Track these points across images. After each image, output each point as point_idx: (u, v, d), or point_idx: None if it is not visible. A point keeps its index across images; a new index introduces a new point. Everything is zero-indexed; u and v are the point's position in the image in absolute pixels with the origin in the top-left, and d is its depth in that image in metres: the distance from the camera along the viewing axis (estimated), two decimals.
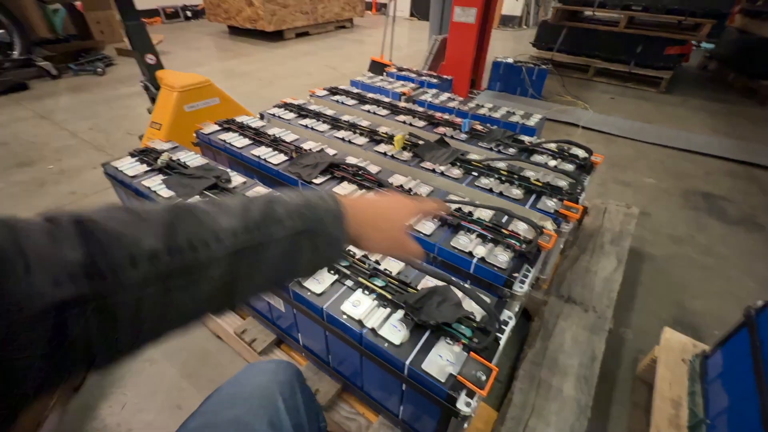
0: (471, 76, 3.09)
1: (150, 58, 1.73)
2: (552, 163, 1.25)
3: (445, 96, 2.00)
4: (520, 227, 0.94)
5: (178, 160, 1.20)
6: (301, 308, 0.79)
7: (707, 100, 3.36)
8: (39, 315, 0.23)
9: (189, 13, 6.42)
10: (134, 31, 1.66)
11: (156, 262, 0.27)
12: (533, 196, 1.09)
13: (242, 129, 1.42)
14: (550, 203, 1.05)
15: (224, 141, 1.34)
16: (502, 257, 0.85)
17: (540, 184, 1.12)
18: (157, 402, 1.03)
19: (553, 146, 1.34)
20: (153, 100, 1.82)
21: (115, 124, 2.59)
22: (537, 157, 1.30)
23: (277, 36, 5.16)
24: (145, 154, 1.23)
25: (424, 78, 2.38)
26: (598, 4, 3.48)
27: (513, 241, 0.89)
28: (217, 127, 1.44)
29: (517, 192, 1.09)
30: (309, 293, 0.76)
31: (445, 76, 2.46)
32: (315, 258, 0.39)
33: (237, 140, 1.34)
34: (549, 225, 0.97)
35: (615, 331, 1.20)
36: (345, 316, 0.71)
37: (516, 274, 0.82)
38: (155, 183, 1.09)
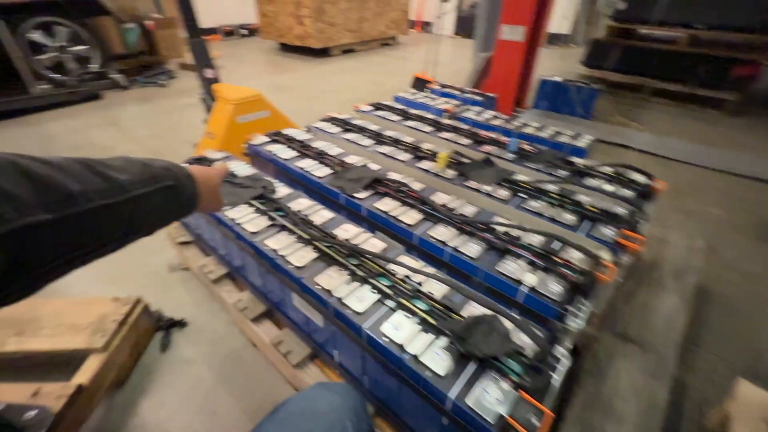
0: (516, 95, 3.02)
1: (208, 72, 1.85)
2: (608, 188, 1.17)
3: (489, 114, 1.97)
4: (574, 255, 0.88)
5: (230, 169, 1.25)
6: (340, 325, 0.77)
7: None
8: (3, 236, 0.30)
9: (244, 32, 6.87)
10: (196, 48, 1.79)
11: (80, 203, 0.37)
12: (588, 223, 1.02)
13: (289, 141, 1.46)
14: (606, 232, 0.97)
15: (272, 152, 1.38)
16: (554, 287, 0.79)
17: (595, 210, 1.05)
18: (194, 405, 1.04)
19: (608, 170, 1.26)
20: (209, 111, 1.93)
21: (173, 133, 2.78)
22: (591, 181, 1.22)
23: (323, 52, 5.37)
24: (199, 162, 1.30)
25: (467, 95, 2.36)
26: (657, 22, 3.31)
27: (566, 271, 0.82)
28: (266, 139, 1.49)
29: (569, 217, 1.02)
30: (349, 311, 0.75)
31: (489, 94, 2.43)
32: (177, 211, 0.55)
33: (284, 152, 1.38)
34: (605, 255, 0.90)
35: (677, 376, 1.08)
36: (386, 339, 0.69)
37: (569, 307, 0.76)
38: None
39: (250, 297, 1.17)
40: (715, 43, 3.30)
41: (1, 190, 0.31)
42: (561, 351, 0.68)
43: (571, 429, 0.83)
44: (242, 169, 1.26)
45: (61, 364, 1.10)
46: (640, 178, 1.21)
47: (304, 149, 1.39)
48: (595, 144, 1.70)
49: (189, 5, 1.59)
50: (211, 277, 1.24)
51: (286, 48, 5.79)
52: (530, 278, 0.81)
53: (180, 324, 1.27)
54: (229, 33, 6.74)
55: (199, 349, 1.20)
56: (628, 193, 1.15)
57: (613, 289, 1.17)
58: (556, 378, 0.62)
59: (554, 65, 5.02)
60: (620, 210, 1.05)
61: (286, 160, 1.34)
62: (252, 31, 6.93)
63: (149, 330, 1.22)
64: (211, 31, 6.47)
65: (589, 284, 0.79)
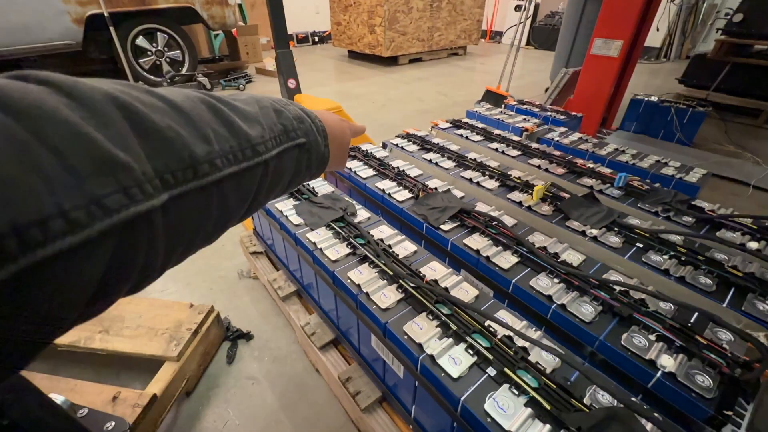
0: (603, 115, 2.75)
1: (291, 83, 1.88)
2: (752, 245, 0.95)
3: (575, 136, 1.78)
4: (722, 337, 0.70)
5: (309, 185, 1.22)
6: (429, 387, 0.68)
7: None
8: (105, 233, 0.18)
9: (317, 38, 7.14)
10: (283, 59, 1.82)
11: (214, 170, 0.26)
12: (732, 291, 0.82)
13: (366, 158, 1.41)
14: (761, 306, 0.78)
15: (350, 169, 1.34)
16: (702, 379, 0.63)
17: (740, 273, 0.85)
18: (256, 427, 1.01)
19: (749, 221, 1.03)
20: None
21: None
22: (726, 233, 1.01)
23: (391, 61, 5.38)
24: None
25: (549, 113, 2.17)
26: None
27: (716, 358, 0.66)
28: None
29: (706, 281, 0.84)
30: (443, 374, 0.65)
31: (573, 113, 2.21)
32: (305, 174, 0.41)
33: (362, 170, 1.33)
34: (764, 339, 0.71)
35: None
36: (489, 420, 0.58)
37: (728, 412, 0.59)
38: (287, 207, 1.11)
39: (318, 321, 1.12)
40: None
41: (104, 155, 0.19)
42: None
43: None
44: (321, 186, 1.22)
45: (137, 366, 1.14)
46: None
47: (382, 168, 1.33)
48: (708, 179, 1.44)
49: (282, 18, 1.62)
50: (281, 294, 1.21)
51: (355, 55, 5.90)
52: (667, 361, 0.66)
53: (247, 336, 1.26)
54: (303, 40, 7.04)
55: (263, 366, 1.17)
56: None
57: None
58: None
59: (643, 81, 4.55)
60: None
61: (364, 179, 1.28)
62: (323, 38, 7.19)
63: (218, 339, 1.22)
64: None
65: (753, 381, 0.62)
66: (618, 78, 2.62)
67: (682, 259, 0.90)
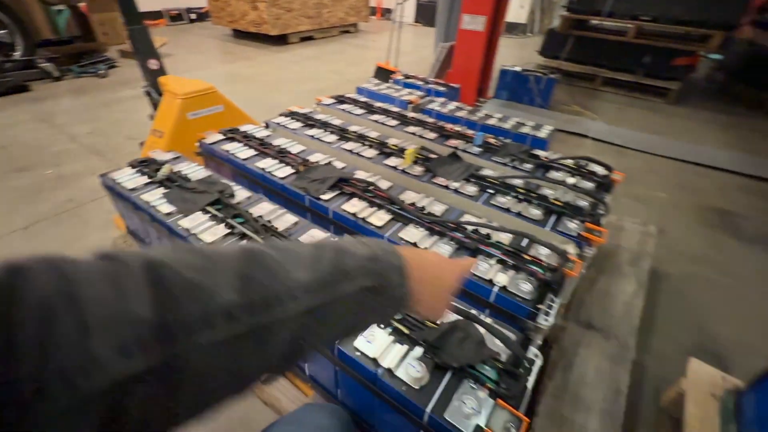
0: (478, 85, 3.05)
1: (153, 64, 1.68)
2: (570, 180, 1.20)
3: (453, 105, 1.96)
4: (542, 252, 0.89)
5: (180, 172, 1.14)
6: None
7: (716, 112, 3.32)
8: (97, 394, 0.18)
9: (193, 16, 6.40)
10: (137, 36, 1.61)
11: (232, 322, 0.23)
12: (553, 217, 1.03)
13: (246, 139, 1.37)
14: (571, 225, 1.00)
15: (228, 151, 1.29)
16: (525, 286, 0.80)
17: (560, 203, 1.07)
18: None
19: (570, 162, 1.29)
20: (155, 106, 1.77)
21: (115, 129, 2.54)
22: (554, 174, 1.24)
23: (281, 40, 5.13)
24: (146, 165, 1.18)
25: (431, 86, 2.34)
26: (607, 14, 3.45)
27: (535, 268, 0.83)
28: (220, 137, 1.38)
29: (536, 212, 1.04)
30: None
31: (452, 85, 2.42)
32: (375, 316, 0.36)
33: (241, 151, 1.29)
34: (571, 249, 0.92)
35: (636, 359, 1.14)
36: (358, 353, 0.66)
37: (540, 306, 0.76)
38: (155, 197, 1.04)
39: None
40: (658, 34, 3.50)
41: (122, 314, 0.19)
42: (534, 351, 0.68)
43: (543, 422, 0.85)
44: (195, 171, 1.16)
45: None
46: (599, 169, 1.25)
47: (263, 147, 1.31)
48: (555, 134, 1.74)
49: None
50: None
51: (240, 35, 5.47)
52: (501, 278, 0.81)
53: None
54: (176, 17, 6.25)
55: None
56: (588, 184, 1.19)
57: (577, 280, 1.21)
58: (530, 380, 0.62)
59: (513, 54, 5.13)
60: (583, 203, 1.08)
61: (244, 160, 1.25)
62: (202, 16, 6.48)
63: None
64: (155, 15, 5.97)
65: (559, 281, 0.80)
66: (487, 50, 2.91)
67: (520, 198, 1.10)
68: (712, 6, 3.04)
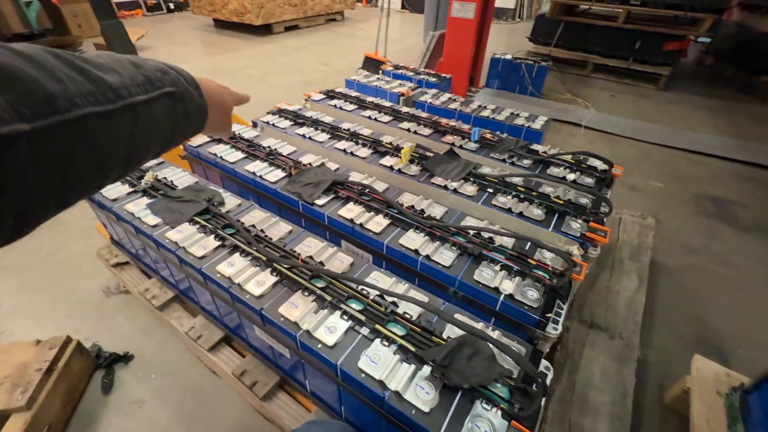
0: (470, 74, 2.99)
1: None
2: (570, 176, 1.17)
3: (445, 96, 1.91)
4: (547, 255, 0.86)
5: (165, 179, 1.08)
6: (311, 361, 0.69)
7: (706, 96, 3.32)
8: None
9: (171, 5, 6.15)
10: (111, 31, 1.51)
11: (69, 107, 0.26)
12: (555, 217, 1.00)
13: (234, 140, 1.30)
14: (575, 225, 0.97)
15: (215, 155, 1.22)
16: (531, 293, 0.77)
17: (561, 202, 1.04)
18: None
19: (569, 157, 1.26)
20: None
21: None
22: (553, 170, 1.21)
23: (265, 30, 4.96)
24: None
25: (422, 77, 2.28)
26: None
27: (542, 274, 0.80)
28: (206, 138, 1.32)
29: (538, 212, 1.01)
30: (320, 345, 0.67)
31: (443, 75, 2.36)
32: (187, 126, 0.42)
33: (229, 154, 1.23)
34: (576, 251, 0.90)
35: (639, 358, 1.14)
36: (363, 375, 0.62)
37: (548, 314, 0.74)
38: (139, 208, 0.98)
39: (204, 323, 1.04)
40: (648, 19, 3.46)
41: None
42: (545, 364, 0.66)
43: (552, 429, 0.84)
44: (181, 177, 1.10)
45: None
46: (599, 164, 1.22)
47: (252, 149, 1.25)
48: (549, 125, 1.71)
49: None
50: (156, 303, 1.09)
51: (223, 25, 5.28)
52: (507, 285, 0.78)
53: (124, 358, 1.12)
54: (153, 7, 6.00)
55: (150, 385, 1.06)
56: (588, 180, 1.16)
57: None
58: (543, 399, 0.59)
59: (502, 41, 5.05)
60: (585, 200, 1.05)
61: (232, 163, 1.19)
62: (181, 5, 6.24)
63: (86, 371, 1.06)
64: (132, 5, 5.72)
65: (566, 286, 0.78)
66: (477, 38, 2.85)
67: (521, 197, 1.06)
68: None
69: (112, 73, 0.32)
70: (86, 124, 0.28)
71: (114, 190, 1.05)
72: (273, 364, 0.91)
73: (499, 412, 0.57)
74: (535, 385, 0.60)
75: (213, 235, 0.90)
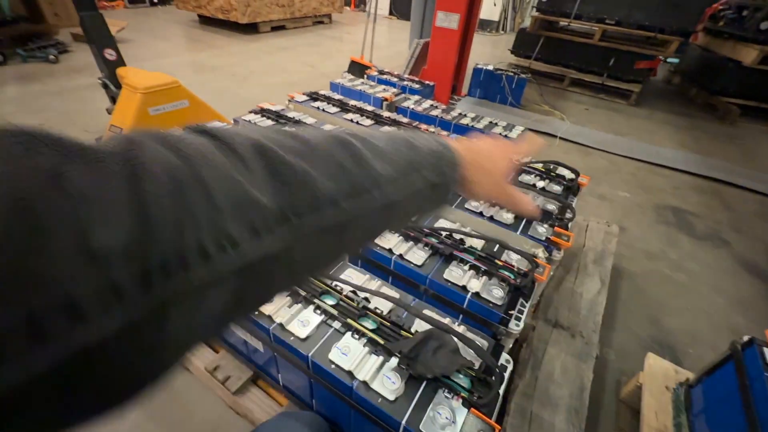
0: (452, 82, 3.07)
1: (110, 54, 1.57)
2: (540, 184, 1.23)
3: (427, 103, 1.96)
4: (513, 257, 0.91)
5: None
6: (284, 353, 0.71)
7: (672, 113, 3.53)
8: (230, 272, 0.18)
9: None
10: (91, 23, 1.49)
11: (335, 208, 0.24)
12: (523, 221, 1.06)
13: None
14: (540, 229, 1.03)
15: None
16: (497, 292, 0.81)
17: None
18: None
19: (540, 166, 1.33)
20: (113, 99, 1.65)
21: (69, 120, 2.36)
22: (525, 177, 1.28)
23: (251, 29, 4.93)
24: None
25: (406, 83, 2.33)
26: (574, 16, 3.56)
27: (507, 274, 0.85)
28: None
29: (507, 216, 1.06)
30: (292, 338, 0.69)
31: (427, 82, 2.42)
32: (430, 207, 0.37)
33: None
34: (540, 253, 0.95)
35: (598, 356, 1.21)
36: (333, 366, 0.65)
37: (512, 312, 0.78)
38: None
39: None
40: (622, 38, 3.65)
41: (242, 195, 0.19)
42: (505, 357, 0.70)
43: (513, 420, 0.88)
44: None
45: None
46: (567, 173, 1.30)
47: None
48: (525, 135, 1.79)
49: None
50: None
51: (208, 21, 5.22)
52: (474, 284, 0.83)
53: None
54: None
55: None
56: (556, 188, 1.23)
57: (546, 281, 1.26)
58: (502, 388, 0.64)
59: (486, 51, 5.20)
60: (551, 207, 1.11)
61: None
62: None
63: None
64: None
65: (529, 286, 0.83)
66: (461, 48, 2.94)
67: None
68: (670, 13, 3.21)
69: (386, 161, 0.29)
70: (345, 227, 0.25)
71: None
72: (246, 359, 0.92)
73: (460, 401, 0.61)
74: (493, 375, 0.64)
75: None
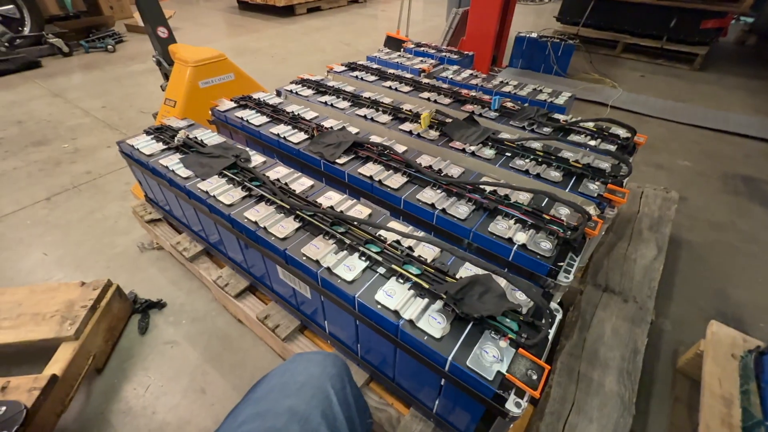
0: (493, 52, 2.93)
1: (162, 31, 1.65)
2: (591, 143, 1.16)
3: (467, 73, 1.90)
4: (562, 212, 0.87)
5: (195, 138, 1.14)
6: (330, 296, 0.74)
7: (746, 77, 3.15)
8: None
9: None
10: (145, 3, 1.58)
11: None
12: (573, 179, 1.01)
13: (259, 106, 1.35)
14: (592, 186, 0.97)
15: (241, 118, 1.28)
16: (545, 244, 0.79)
17: (580, 165, 1.04)
18: (182, 385, 1.01)
19: (591, 125, 1.24)
20: (166, 76, 1.75)
21: (127, 102, 2.55)
22: (574, 137, 1.20)
23: (288, 11, 4.99)
24: (161, 132, 1.18)
25: (444, 54, 2.26)
26: None
27: (556, 227, 0.82)
28: (233, 104, 1.37)
29: (555, 174, 1.01)
30: (339, 280, 0.71)
31: (466, 52, 2.33)
32: None
33: (255, 118, 1.28)
34: (592, 210, 0.90)
35: (654, 322, 1.14)
36: (379, 306, 0.67)
37: (560, 263, 0.75)
38: (173, 162, 1.04)
39: (231, 273, 1.11)
40: None
41: None
42: (554, 305, 0.68)
43: (560, 378, 0.86)
44: (210, 137, 1.16)
45: (29, 356, 1.03)
46: (622, 132, 1.21)
47: (276, 114, 1.30)
48: (573, 102, 1.68)
49: None
50: (186, 255, 1.17)
51: (246, 6, 5.34)
52: (521, 236, 0.80)
53: (158, 305, 1.20)
54: None
55: (181, 329, 1.15)
56: (610, 147, 1.15)
57: (597, 242, 1.19)
58: (551, 331, 0.62)
59: (529, 21, 4.90)
60: (604, 165, 1.05)
61: (257, 126, 1.24)
62: None
63: (125, 313, 1.15)
64: None
65: (579, 239, 0.79)
66: (502, 16, 2.78)
67: (539, 160, 1.07)
68: None
69: None
70: None
71: (149, 146, 1.12)
72: (295, 308, 0.97)
73: (507, 342, 0.61)
74: (543, 318, 0.62)
75: (240, 187, 0.95)
